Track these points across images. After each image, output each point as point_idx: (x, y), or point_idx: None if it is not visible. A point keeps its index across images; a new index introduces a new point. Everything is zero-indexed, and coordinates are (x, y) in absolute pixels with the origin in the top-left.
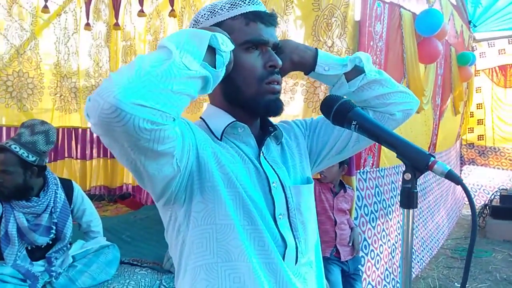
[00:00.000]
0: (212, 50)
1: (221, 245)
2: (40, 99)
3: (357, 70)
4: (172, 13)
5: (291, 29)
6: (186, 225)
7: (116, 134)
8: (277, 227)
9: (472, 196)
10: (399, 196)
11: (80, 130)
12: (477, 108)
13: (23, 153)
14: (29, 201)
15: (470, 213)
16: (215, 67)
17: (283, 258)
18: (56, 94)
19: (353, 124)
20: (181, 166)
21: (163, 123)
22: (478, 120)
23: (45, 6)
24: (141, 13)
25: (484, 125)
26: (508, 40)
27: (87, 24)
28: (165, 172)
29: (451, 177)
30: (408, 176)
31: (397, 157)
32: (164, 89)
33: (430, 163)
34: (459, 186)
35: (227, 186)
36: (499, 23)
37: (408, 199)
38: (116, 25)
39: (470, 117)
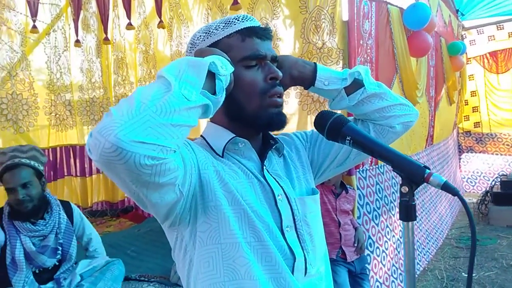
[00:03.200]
0: (211, 75)
1: (227, 263)
2: (35, 119)
3: (357, 84)
4: (160, 25)
5: (281, 30)
6: (193, 245)
7: (117, 170)
8: (285, 239)
9: (469, 205)
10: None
11: (77, 147)
12: (471, 96)
13: (34, 163)
14: (35, 225)
15: (472, 201)
16: (215, 92)
17: (292, 271)
18: (51, 113)
19: (347, 139)
20: (183, 191)
21: (164, 157)
22: (473, 107)
23: (34, 26)
24: (129, 26)
25: (479, 112)
26: (497, 26)
27: (77, 41)
28: (168, 199)
29: (447, 188)
30: (405, 189)
31: (393, 170)
32: (164, 123)
33: (426, 175)
34: (456, 197)
35: (231, 204)
36: (486, 10)
37: (407, 212)
38: (106, 39)
39: (465, 105)
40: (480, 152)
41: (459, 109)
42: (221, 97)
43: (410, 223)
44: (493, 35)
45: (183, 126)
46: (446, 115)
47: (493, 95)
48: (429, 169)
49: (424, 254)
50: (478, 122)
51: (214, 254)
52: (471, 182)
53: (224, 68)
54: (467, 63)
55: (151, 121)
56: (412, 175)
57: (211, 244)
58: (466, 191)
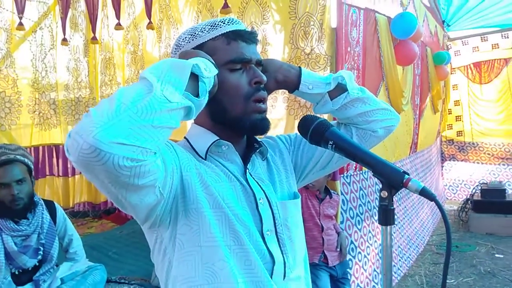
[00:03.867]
0: (195, 77)
1: (206, 267)
2: (18, 117)
3: (340, 88)
4: (149, 26)
5: (271, 34)
6: (172, 247)
7: (96, 172)
8: (265, 243)
9: (446, 212)
10: None
11: (60, 146)
12: (455, 105)
13: (28, 161)
14: (18, 224)
15: (453, 208)
16: (198, 94)
17: (271, 275)
18: (34, 111)
19: (330, 144)
20: (164, 193)
21: (144, 158)
22: (456, 116)
23: (20, 23)
24: (118, 26)
25: (462, 121)
26: (481, 37)
27: (64, 39)
28: (148, 201)
29: (425, 194)
30: (384, 193)
31: (373, 175)
32: (145, 125)
33: (404, 180)
34: (433, 202)
35: (212, 207)
36: (471, 22)
37: (386, 216)
38: (94, 39)
39: (449, 114)
40: (462, 161)
41: (442, 118)
42: (203, 99)
43: (388, 227)
44: (477, 46)
45: (164, 127)
46: (430, 123)
47: (476, 105)
48: (408, 174)
49: (405, 260)
50: (461, 131)
51: (194, 257)
52: (452, 189)
53: (208, 71)
54: (451, 73)
55: (131, 122)
56: (392, 180)
57: (190, 246)
58: (447, 198)
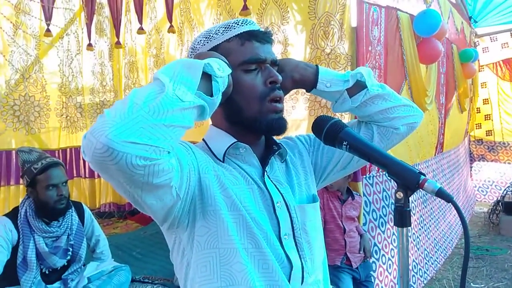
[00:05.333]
0: (208, 77)
1: (224, 269)
2: (46, 121)
3: (359, 85)
4: (171, 29)
5: (292, 35)
6: (190, 249)
7: (110, 171)
8: (282, 247)
9: (465, 216)
10: None
11: None
12: (484, 104)
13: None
14: (49, 226)
15: (483, 210)
16: (212, 94)
17: (289, 279)
18: (62, 115)
19: (344, 144)
20: (180, 194)
21: (157, 157)
22: (485, 115)
23: (48, 30)
24: (140, 30)
25: (492, 120)
26: (511, 33)
27: (89, 45)
28: (164, 201)
29: (442, 195)
30: (400, 195)
31: (388, 176)
32: (157, 124)
33: (420, 181)
34: (450, 203)
35: (230, 210)
36: (500, 17)
37: (402, 217)
38: (118, 43)
39: (477, 112)
40: (492, 161)
41: (470, 117)
42: (217, 98)
43: (404, 229)
44: (507, 42)
45: (177, 126)
46: (457, 123)
47: (506, 103)
48: (424, 175)
49: (432, 263)
50: (490, 130)
51: (212, 258)
52: (482, 191)
53: (221, 70)
54: (479, 71)
55: (143, 121)
56: (407, 181)
57: (208, 248)
58: (477, 200)
